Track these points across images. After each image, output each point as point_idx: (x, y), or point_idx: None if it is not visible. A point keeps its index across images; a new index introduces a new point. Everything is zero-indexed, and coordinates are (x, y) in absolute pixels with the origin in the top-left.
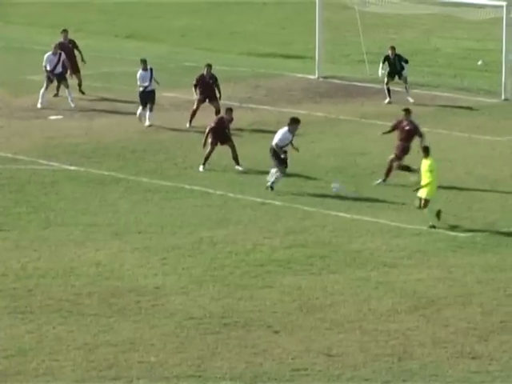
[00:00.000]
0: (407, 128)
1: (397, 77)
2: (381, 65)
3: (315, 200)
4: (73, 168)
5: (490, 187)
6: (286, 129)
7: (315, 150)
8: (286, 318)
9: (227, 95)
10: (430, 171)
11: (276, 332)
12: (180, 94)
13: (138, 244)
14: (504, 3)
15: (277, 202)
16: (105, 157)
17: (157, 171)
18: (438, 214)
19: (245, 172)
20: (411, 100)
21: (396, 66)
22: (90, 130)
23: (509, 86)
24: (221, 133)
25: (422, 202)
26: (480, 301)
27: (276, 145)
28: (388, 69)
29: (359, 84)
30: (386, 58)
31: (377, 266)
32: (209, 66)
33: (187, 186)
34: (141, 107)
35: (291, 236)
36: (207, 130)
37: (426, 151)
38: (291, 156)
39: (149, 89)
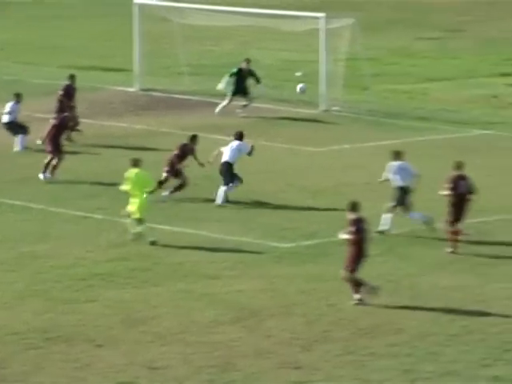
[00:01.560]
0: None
1: (242, 93)
2: (227, 78)
3: None
4: None
5: (310, 198)
6: (237, 143)
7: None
8: (109, 332)
9: (48, 108)
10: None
11: (99, 346)
12: None
13: None
14: (323, 14)
15: (98, 216)
16: None
17: None
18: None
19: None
20: (242, 114)
21: (244, 80)
22: None
23: (327, 97)
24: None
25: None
26: (302, 311)
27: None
28: (234, 85)
29: (179, 96)
30: (238, 71)
31: (199, 277)
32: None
33: (8, 201)
34: None
35: (113, 249)
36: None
37: (135, 162)
38: (111, 168)
39: None
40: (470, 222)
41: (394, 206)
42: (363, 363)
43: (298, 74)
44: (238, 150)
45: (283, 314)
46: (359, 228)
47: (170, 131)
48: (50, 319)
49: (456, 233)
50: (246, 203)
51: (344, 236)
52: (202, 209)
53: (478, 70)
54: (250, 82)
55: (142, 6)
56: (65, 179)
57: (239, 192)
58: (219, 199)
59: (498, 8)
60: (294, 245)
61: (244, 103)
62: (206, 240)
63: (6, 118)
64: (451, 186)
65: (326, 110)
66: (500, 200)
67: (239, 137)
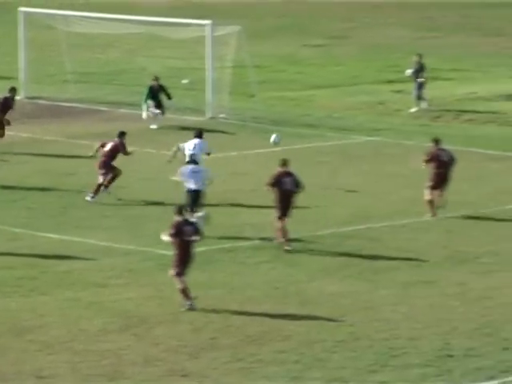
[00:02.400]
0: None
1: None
2: (145, 105)
3: (23, 221)
4: None
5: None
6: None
7: (22, 171)
8: None
9: None
10: None
11: None
12: None
13: None
14: (209, 22)
15: None
16: None
17: None
18: None
19: None
20: (154, 127)
21: (157, 97)
22: None
23: (214, 105)
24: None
25: None
26: (190, 318)
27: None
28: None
29: (65, 104)
30: (149, 90)
31: (87, 286)
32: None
33: None
34: None
35: None
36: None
37: None
38: None
39: None
40: (358, 228)
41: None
42: (251, 370)
43: (185, 81)
44: (200, 148)
45: (171, 322)
46: (179, 231)
47: (56, 139)
48: None
49: (282, 230)
50: (133, 211)
51: (164, 238)
52: (90, 217)
53: (363, 77)
54: (163, 97)
55: (27, 14)
56: None
57: (126, 199)
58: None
59: (382, 15)
60: None
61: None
62: (94, 248)
63: None
64: (273, 182)
65: (212, 118)
66: (386, 206)
67: (199, 135)
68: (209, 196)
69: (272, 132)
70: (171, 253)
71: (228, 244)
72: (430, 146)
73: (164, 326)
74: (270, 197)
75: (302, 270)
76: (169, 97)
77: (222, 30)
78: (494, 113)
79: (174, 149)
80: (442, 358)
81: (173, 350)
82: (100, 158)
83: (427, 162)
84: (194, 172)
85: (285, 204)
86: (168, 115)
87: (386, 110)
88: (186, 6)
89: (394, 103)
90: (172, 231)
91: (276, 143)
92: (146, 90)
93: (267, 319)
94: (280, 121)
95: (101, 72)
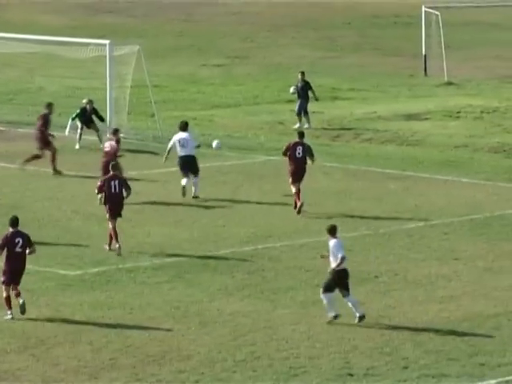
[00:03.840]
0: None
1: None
2: (70, 122)
3: None
4: None
5: (97, 224)
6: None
7: None
8: None
9: None
10: None
11: None
12: None
13: None
14: (108, 41)
15: None
16: None
17: None
18: None
19: None
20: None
21: (90, 119)
22: None
23: (113, 124)
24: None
25: None
26: (89, 338)
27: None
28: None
29: None
30: (82, 111)
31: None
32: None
33: None
34: None
35: None
36: None
37: None
38: None
39: None
40: (258, 247)
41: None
42: None
43: (85, 101)
44: (192, 140)
45: (70, 342)
46: (12, 242)
47: None
48: None
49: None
50: (33, 231)
51: None
52: None
53: (263, 97)
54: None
55: None
56: None
57: (25, 219)
58: (197, 190)
59: (282, 35)
60: (81, 272)
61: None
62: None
63: None
64: (102, 184)
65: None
66: (287, 225)
67: (185, 127)
68: (102, 215)
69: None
70: (71, 273)
71: (128, 264)
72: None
73: (63, 346)
74: (169, 217)
75: (203, 290)
76: (102, 119)
77: (121, 50)
78: (393, 132)
79: (170, 146)
80: (343, 376)
81: (72, 371)
82: (102, 159)
83: (284, 154)
84: None
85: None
86: (68, 135)
87: (286, 130)
88: (85, 26)
89: (293, 123)
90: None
91: (218, 149)
92: (77, 111)
93: (167, 339)
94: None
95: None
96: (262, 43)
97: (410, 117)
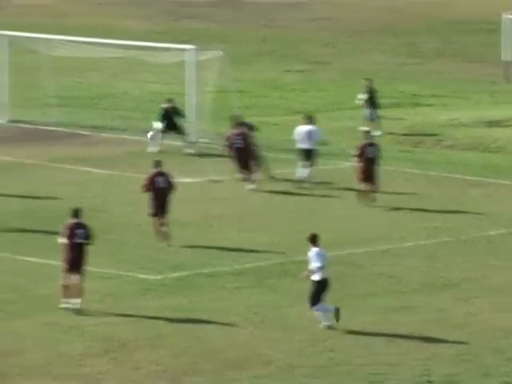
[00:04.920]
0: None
1: (174, 131)
2: (154, 124)
3: (3, 245)
4: None
5: (178, 229)
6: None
7: (3, 194)
8: None
9: None
10: None
11: None
12: None
13: None
14: (191, 47)
15: None
16: None
17: None
18: None
19: None
20: (189, 151)
21: (172, 119)
22: None
23: (196, 129)
24: None
25: None
26: (170, 343)
27: None
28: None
29: (47, 128)
30: (164, 112)
31: (66, 310)
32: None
33: None
34: None
35: None
36: None
37: None
38: None
39: None
40: (339, 253)
41: None
42: None
43: (164, 105)
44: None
45: (151, 346)
46: (73, 233)
47: (38, 163)
48: None
49: (161, 224)
50: (114, 235)
51: (60, 240)
52: None
53: (345, 102)
54: (179, 119)
55: (9, 37)
56: None
57: (107, 223)
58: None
59: (364, 41)
60: (162, 277)
61: (187, 140)
62: (83, 294)
63: None
64: (149, 182)
65: (194, 142)
66: (367, 231)
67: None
68: (189, 221)
69: None
70: (152, 277)
71: (208, 269)
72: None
73: (144, 350)
74: (250, 222)
75: (282, 295)
76: (183, 115)
77: (205, 55)
78: (474, 139)
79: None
80: (422, 383)
81: (153, 375)
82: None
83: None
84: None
85: (159, 202)
86: (147, 139)
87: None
88: (169, 31)
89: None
90: (67, 232)
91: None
92: (160, 111)
93: (247, 344)
94: (262, 146)
95: (83, 96)
96: (343, 49)
97: (491, 124)
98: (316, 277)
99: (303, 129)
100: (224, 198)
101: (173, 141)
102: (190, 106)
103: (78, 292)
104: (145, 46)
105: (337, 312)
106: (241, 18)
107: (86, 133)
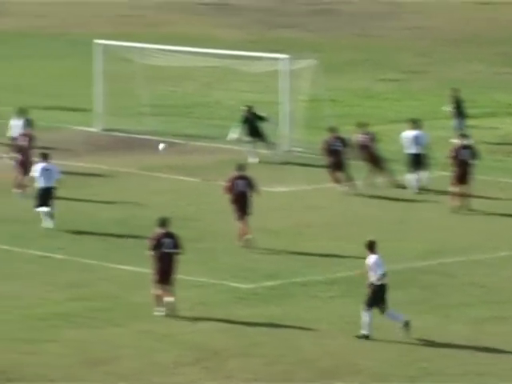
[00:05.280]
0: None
1: (258, 138)
2: (235, 128)
3: (97, 253)
4: None
5: (271, 238)
6: None
7: (97, 202)
8: (70, 372)
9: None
10: None
11: None
12: None
13: None
14: (285, 56)
15: (58, 256)
16: None
17: None
18: None
19: None
20: (276, 157)
21: (254, 125)
22: None
23: (289, 138)
24: None
25: None
26: (263, 352)
27: None
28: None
29: (140, 136)
30: (245, 119)
31: (160, 318)
32: None
33: None
34: None
35: (74, 289)
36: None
37: None
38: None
39: None
40: (431, 263)
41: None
42: None
43: (263, 115)
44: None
45: (244, 355)
46: (160, 243)
47: (131, 171)
48: (12, 360)
49: (244, 229)
50: (207, 243)
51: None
52: None
53: (439, 112)
54: (262, 125)
55: (103, 46)
56: (25, 219)
57: (199, 232)
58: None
59: (459, 50)
60: (255, 285)
61: (268, 147)
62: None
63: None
64: (230, 185)
65: (287, 151)
66: (461, 241)
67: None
68: (281, 229)
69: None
70: (245, 286)
71: (301, 278)
72: None
73: (237, 359)
74: (342, 231)
75: None
76: (263, 119)
77: (298, 64)
78: None
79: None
80: None
81: None
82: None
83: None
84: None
85: (240, 204)
86: (242, 148)
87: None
88: (262, 40)
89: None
90: (153, 243)
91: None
92: (240, 119)
93: (340, 353)
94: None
95: (177, 105)
96: (438, 58)
97: None
98: (377, 282)
99: (410, 134)
100: (316, 207)
101: (267, 149)
102: (283, 115)
103: (170, 294)
104: (238, 55)
105: (406, 325)
106: (334, 27)
107: (179, 141)
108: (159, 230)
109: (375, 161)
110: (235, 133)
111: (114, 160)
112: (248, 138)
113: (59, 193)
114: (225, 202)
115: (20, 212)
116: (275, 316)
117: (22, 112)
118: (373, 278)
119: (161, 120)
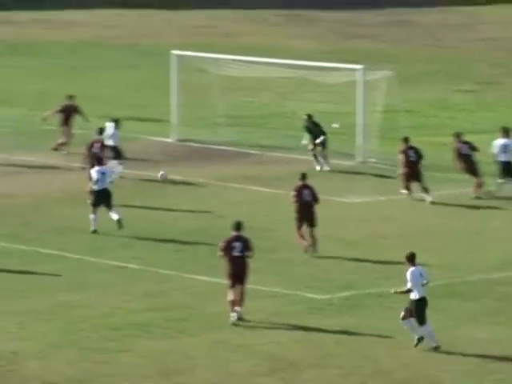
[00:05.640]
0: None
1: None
2: (306, 135)
3: (173, 263)
4: None
5: (346, 249)
6: None
7: (173, 212)
8: (144, 382)
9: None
10: None
11: None
12: (37, 158)
13: None
14: (360, 66)
15: (134, 266)
16: None
17: (14, 235)
18: None
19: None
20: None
21: (314, 134)
22: None
23: (364, 149)
24: None
25: None
26: (338, 363)
27: None
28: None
29: (215, 147)
30: (306, 129)
31: (235, 328)
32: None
33: (44, 250)
34: None
35: (149, 299)
36: None
37: None
38: (148, 218)
39: None
40: (509, 274)
41: None
42: None
43: (335, 125)
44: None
45: (319, 366)
46: (231, 246)
47: (207, 182)
48: (85, 369)
49: (302, 236)
50: (282, 254)
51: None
52: None
53: None
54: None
55: (179, 57)
56: (100, 229)
57: (274, 242)
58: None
59: None
60: (330, 296)
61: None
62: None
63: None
64: (296, 194)
65: (362, 162)
66: None
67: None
68: (356, 240)
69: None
70: (320, 297)
71: (376, 289)
72: None
73: (312, 369)
74: (418, 242)
75: (450, 316)
76: (323, 133)
77: (373, 75)
78: None
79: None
80: None
81: None
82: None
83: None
84: None
85: (303, 215)
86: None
87: None
88: (337, 51)
89: None
90: (222, 246)
91: (164, 178)
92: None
93: (415, 364)
94: (431, 165)
95: (252, 115)
96: None
97: None
98: (415, 295)
99: (499, 142)
100: (391, 217)
101: (341, 160)
102: (358, 126)
103: (240, 301)
104: (314, 65)
105: (419, 341)
106: (409, 37)
107: (254, 152)
108: (232, 233)
109: (473, 169)
110: (306, 139)
111: (189, 170)
112: (311, 147)
113: (135, 202)
114: None
115: (96, 222)
116: (350, 327)
117: (115, 121)
118: (411, 293)
119: (236, 130)
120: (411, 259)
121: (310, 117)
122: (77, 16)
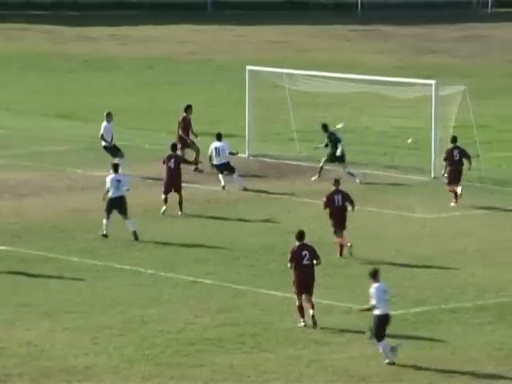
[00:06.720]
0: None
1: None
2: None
3: (246, 278)
4: (3, 248)
5: (420, 264)
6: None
7: (246, 228)
8: None
9: (158, 173)
10: None
11: None
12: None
13: (69, 323)
14: (433, 81)
15: (207, 281)
16: (35, 236)
17: (87, 250)
18: None
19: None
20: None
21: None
22: (19, 210)
23: (438, 164)
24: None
25: None
26: (412, 378)
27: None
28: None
29: (289, 162)
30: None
31: (308, 343)
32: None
33: (118, 265)
34: None
35: (222, 314)
36: None
37: None
38: (222, 234)
39: None
40: None
41: None
42: None
43: (410, 141)
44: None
45: (392, 381)
46: (298, 256)
47: (281, 197)
48: None
49: (341, 241)
50: (355, 270)
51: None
52: None
53: None
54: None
55: (254, 72)
56: (174, 243)
57: (348, 258)
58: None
59: None
60: (403, 311)
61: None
62: (315, 306)
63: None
64: (328, 199)
65: (436, 177)
66: None
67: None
68: (431, 256)
69: (496, 193)
70: (393, 312)
71: (450, 305)
72: None
73: None
74: (494, 257)
75: None
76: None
77: (447, 90)
78: None
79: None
80: None
81: None
82: None
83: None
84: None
85: (337, 219)
86: (391, 174)
87: None
88: (411, 66)
89: None
90: (290, 256)
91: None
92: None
93: (491, 381)
94: (505, 181)
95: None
96: None
97: None
98: (378, 311)
99: None
100: (466, 233)
101: (415, 175)
102: (432, 141)
103: (311, 306)
104: (387, 80)
105: (393, 349)
106: (484, 52)
107: (328, 167)
108: (296, 243)
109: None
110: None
111: (262, 185)
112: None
113: (207, 216)
114: (374, 228)
115: (170, 237)
116: (424, 342)
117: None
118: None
119: (309, 146)
120: (374, 275)
121: (324, 126)
122: (151, 32)
